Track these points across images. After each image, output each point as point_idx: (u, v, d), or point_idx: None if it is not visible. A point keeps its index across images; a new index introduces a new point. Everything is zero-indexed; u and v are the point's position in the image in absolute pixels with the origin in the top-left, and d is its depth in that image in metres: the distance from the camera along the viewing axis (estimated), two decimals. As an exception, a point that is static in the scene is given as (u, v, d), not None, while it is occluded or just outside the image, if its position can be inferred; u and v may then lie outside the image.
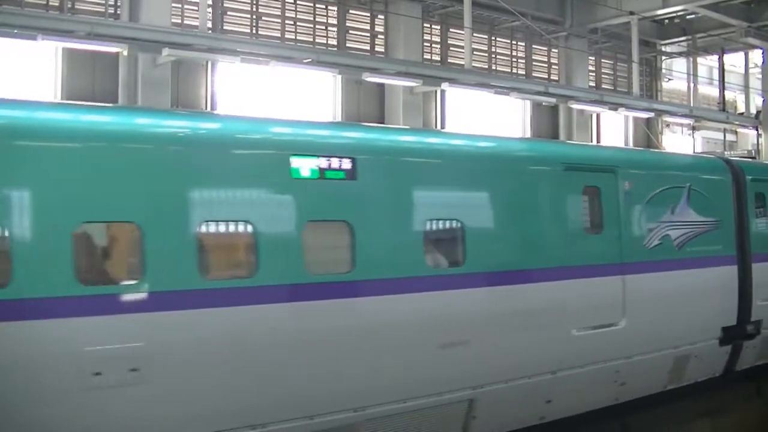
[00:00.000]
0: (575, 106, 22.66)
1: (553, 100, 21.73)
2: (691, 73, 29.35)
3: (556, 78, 24.64)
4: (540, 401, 8.69)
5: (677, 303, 9.99)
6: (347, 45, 20.06)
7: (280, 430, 6.76)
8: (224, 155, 6.81)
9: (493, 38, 23.31)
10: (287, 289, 6.86)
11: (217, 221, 6.74)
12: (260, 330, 6.66)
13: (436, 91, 20.66)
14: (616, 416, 9.82)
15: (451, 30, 22.13)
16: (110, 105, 11.76)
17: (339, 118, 19.31)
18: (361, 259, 7.24)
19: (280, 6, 18.94)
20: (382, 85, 19.77)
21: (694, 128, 28.79)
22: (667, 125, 28.26)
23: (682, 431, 10.63)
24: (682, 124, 28.34)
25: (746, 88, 28.98)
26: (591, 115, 24.74)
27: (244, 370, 6.57)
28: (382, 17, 20.66)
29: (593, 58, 26.05)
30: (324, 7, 19.72)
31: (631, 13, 22.73)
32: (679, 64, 30.01)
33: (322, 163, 7.15)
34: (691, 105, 27.42)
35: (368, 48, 20.56)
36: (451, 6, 21.23)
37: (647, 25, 25.78)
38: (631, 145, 26.54)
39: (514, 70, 23.85)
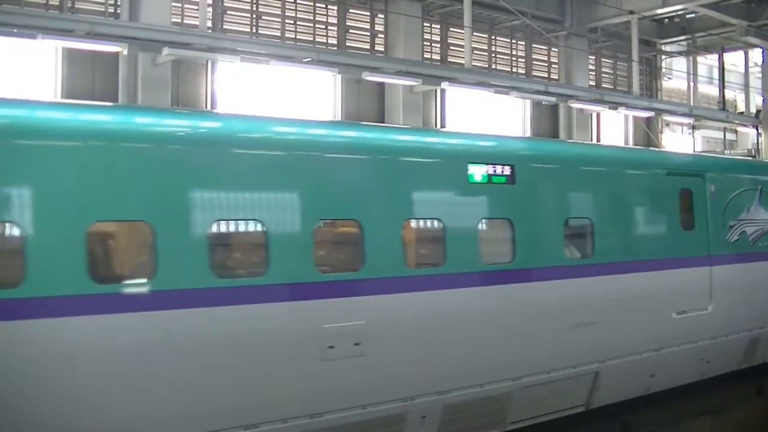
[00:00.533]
0: (575, 105, 22.65)
1: (553, 99, 21.70)
2: (691, 72, 29.35)
3: (556, 77, 24.62)
4: (646, 375, 10.02)
5: (752, 291, 11.39)
6: (347, 44, 20.05)
7: (457, 396, 8.01)
8: (425, 164, 8.21)
9: (493, 37, 23.30)
10: (467, 277, 8.10)
11: (417, 219, 8.14)
12: (447, 311, 7.92)
13: (436, 90, 20.66)
14: (616, 416, 9.93)
15: (451, 29, 22.12)
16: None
17: (339, 118, 19.31)
18: (520, 251, 8.52)
19: (280, 5, 18.93)
20: (382, 84, 19.78)
21: (694, 127, 28.82)
22: (667, 124, 28.26)
23: (682, 431, 10.71)
24: (682, 123, 28.34)
25: (746, 87, 28.97)
26: (591, 114, 24.73)
27: (435, 345, 7.82)
28: (382, 16, 20.65)
29: (593, 57, 26.04)
30: (324, 6, 19.70)
31: (631, 12, 22.73)
32: (679, 63, 30.02)
33: (490, 169, 8.48)
34: (691, 104, 27.41)
35: (368, 47, 20.55)
36: (450, 5, 21.21)
37: (647, 24, 25.79)
38: (631, 143, 26.55)
39: (514, 69, 23.84)
